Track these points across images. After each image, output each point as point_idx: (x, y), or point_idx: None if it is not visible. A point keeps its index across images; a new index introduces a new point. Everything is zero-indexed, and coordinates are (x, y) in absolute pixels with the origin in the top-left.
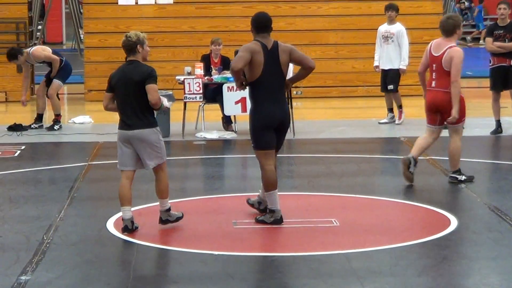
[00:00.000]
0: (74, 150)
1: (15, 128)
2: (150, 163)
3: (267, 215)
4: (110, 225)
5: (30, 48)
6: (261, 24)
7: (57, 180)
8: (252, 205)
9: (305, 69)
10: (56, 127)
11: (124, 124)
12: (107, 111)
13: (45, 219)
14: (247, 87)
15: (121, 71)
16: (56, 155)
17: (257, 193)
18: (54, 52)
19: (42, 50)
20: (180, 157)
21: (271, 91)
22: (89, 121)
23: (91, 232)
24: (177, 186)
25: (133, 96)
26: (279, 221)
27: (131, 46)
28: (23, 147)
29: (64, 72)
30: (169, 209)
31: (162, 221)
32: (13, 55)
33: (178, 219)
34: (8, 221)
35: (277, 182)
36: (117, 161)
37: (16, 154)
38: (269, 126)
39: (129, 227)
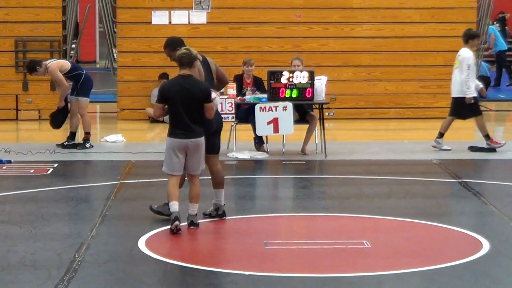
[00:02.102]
0: (106, 169)
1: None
2: (197, 169)
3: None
4: (142, 244)
5: (49, 61)
6: (179, 43)
7: (89, 198)
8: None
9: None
10: (87, 145)
11: (181, 133)
12: (138, 130)
13: (77, 237)
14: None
15: (179, 85)
16: (88, 173)
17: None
18: (73, 67)
19: (59, 67)
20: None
21: None
22: (122, 139)
23: (123, 251)
24: (208, 205)
25: (192, 109)
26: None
27: (190, 60)
28: (55, 165)
29: (86, 87)
30: (196, 214)
31: (193, 224)
32: (32, 68)
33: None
34: (40, 238)
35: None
36: (147, 180)
37: (48, 172)
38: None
39: (178, 218)
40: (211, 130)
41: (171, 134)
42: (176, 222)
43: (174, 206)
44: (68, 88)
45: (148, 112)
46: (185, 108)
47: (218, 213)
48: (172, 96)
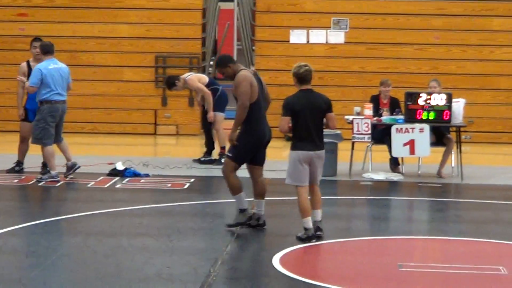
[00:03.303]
0: (243, 185)
1: (115, 173)
2: (319, 179)
3: (239, 215)
4: (276, 261)
5: (187, 75)
6: (229, 58)
7: (224, 214)
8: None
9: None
10: (222, 160)
11: (308, 146)
12: (273, 147)
13: (212, 252)
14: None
15: (305, 98)
16: (224, 189)
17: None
18: (210, 82)
19: (198, 80)
20: (346, 196)
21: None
22: None
23: (257, 268)
24: (343, 225)
25: (317, 121)
26: (248, 220)
27: (311, 76)
28: (192, 180)
29: (221, 102)
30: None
31: (320, 230)
32: (171, 83)
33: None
34: (176, 252)
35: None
36: (282, 197)
37: (185, 187)
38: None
39: (314, 234)
40: (265, 141)
41: (298, 147)
42: (313, 240)
43: (309, 223)
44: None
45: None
46: (312, 120)
47: (259, 223)
48: (299, 110)
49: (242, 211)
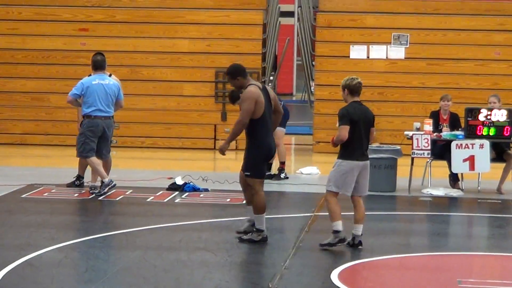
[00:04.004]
0: (301, 200)
1: (174, 188)
2: (366, 189)
3: (254, 233)
4: (335, 276)
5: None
6: (242, 70)
7: (283, 229)
8: (244, 231)
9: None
10: (282, 175)
11: (360, 155)
12: (333, 163)
13: (270, 267)
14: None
15: (360, 109)
16: (283, 204)
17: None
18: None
19: None
20: (405, 212)
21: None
22: (317, 172)
23: (315, 283)
24: (402, 241)
25: (367, 132)
26: (265, 239)
27: (361, 88)
28: None
29: (283, 118)
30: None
31: (361, 244)
32: (236, 97)
33: None
34: (235, 267)
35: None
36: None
37: (244, 201)
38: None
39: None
40: (272, 154)
41: (350, 156)
42: (344, 242)
43: (340, 225)
44: None
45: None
46: (364, 131)
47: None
48: (357, 120)
49: (259, 231)
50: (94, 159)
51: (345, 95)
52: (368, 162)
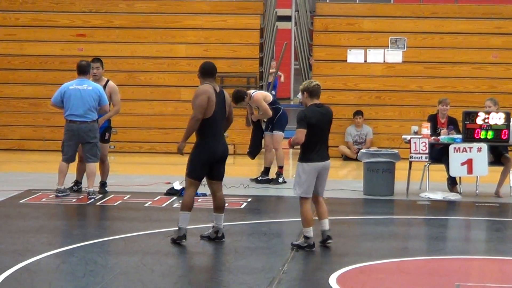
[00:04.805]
0: (299, 205)
1: (172, 193)
2: (324, 190)
3: (176, 231)
4: (333, 281)
5: (253, 91)
6: (208, 71)
7: (281, 234)
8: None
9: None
10: (280, 179)
11: (318, 157)
12: (331, 167)
13: (268, 272)
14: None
15: (318, 112)
16: (281, 208)
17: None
18: (273, 101)
19: (263, 97)
20: (403, 216)
21: (218, 128)
22: None
23: (314, 287)
24: (399, 245)
25: (327, 134)
26: (182, 238)
27: (320, 90)
28: (249, 199)
29: (281, 122)
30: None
31: (331, 238)
32: (240, 98)
33: None
34: (233, 271)
35: (193, 206)
36: (340, 217)
37: (242, 206)
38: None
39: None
40: (217, 157)
41: (310, 159)
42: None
43: (311, 232)
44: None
45: (346, 151)
46: (323, 133)
47: (217, 236)
48: (315, 123)
49: (180, 229)
50: (62, 164)
51: (304, 98)
52: (328, 162)
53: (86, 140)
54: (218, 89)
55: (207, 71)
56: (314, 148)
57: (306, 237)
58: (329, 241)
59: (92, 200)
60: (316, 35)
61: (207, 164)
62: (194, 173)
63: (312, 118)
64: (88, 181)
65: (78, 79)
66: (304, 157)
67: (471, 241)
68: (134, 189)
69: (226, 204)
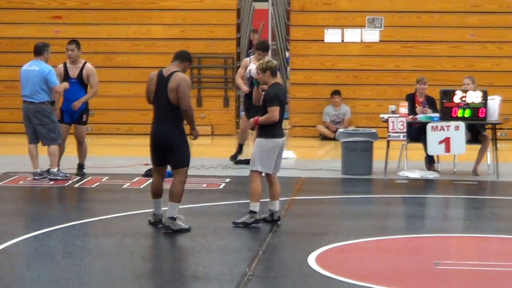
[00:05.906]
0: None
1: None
2: (280, 167)
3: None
4: (312, 260)
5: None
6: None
7: (259, 214)
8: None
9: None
10: None
11: (280, 133)
12: (309, 147)
13: (247, 252)
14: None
15: (282, 90)
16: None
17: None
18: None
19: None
20: (381, 195)
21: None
22: (293, 156)
23: (293, 267)
24: (378, 224)
25: (284, 110)
26: (158, 223)
27: (277, 69)
28: (227, 180)
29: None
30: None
31: (279, 219)
32: (268, 46)
33: None
34: (212, 251)
35: (161, 192)
36: (318, 196)
37: (220, 187)
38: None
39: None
40: (154, 142)
41: (274, 135)
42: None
43: (257, 207)
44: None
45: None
46: (283, 110)
47: (155, 220)
48: (283, 100)
49: (156, 215)
50: (28, 147)
51: (267, 77)
52: (284, 138)
53: (36, 122)
54: (164, 72)
55: (176, 55)
56: (277, 124)
57: (253, 212)
58: (279, 222)
59: (41, 178)
60: (293, 15)
61: (153, 148)
62: (151, 160)
63: (281, 96)
64: (50, 161)
65: (34, 59)
66: (268, 133)
67: (449, 219)
68: (112, 171)
69: (204, 185)
